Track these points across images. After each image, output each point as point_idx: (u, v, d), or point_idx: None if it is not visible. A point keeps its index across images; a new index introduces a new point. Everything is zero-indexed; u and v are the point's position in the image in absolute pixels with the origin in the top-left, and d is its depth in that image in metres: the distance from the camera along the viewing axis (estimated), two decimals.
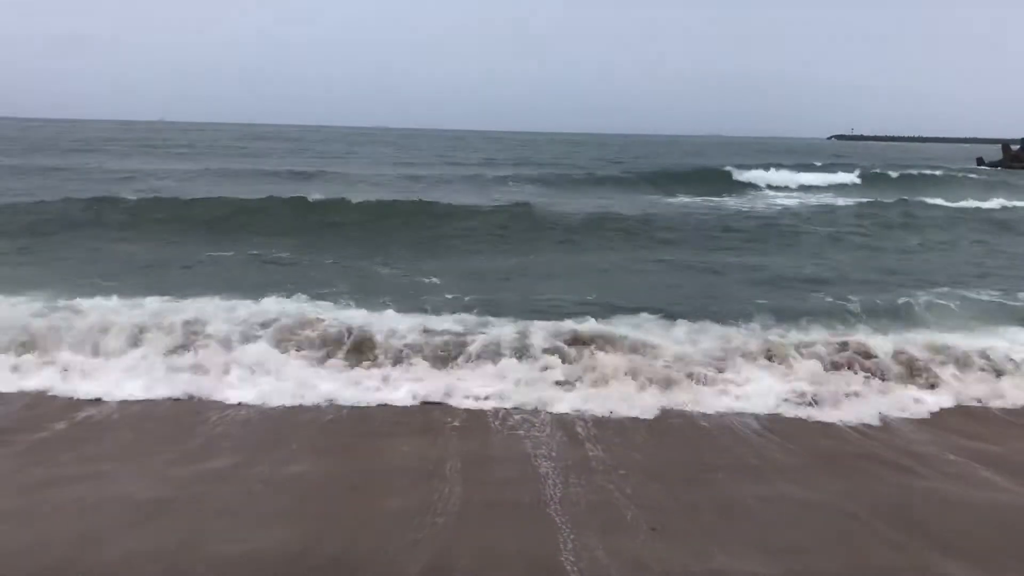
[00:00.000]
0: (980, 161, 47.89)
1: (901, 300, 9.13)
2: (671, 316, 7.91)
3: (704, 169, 30.38)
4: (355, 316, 7.40)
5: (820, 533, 4.04)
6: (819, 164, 37.94)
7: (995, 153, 49.65)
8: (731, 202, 22.44)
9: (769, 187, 27.52)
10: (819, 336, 7.23)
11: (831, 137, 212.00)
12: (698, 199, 22.57)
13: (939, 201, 20.73)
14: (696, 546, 3.87)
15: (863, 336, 7.24)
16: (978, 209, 19.73)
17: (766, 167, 31.02)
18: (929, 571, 3.68)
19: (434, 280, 10.15)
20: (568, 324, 7.28)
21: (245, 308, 7.54)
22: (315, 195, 16.36)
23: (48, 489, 4.38)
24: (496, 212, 16.10)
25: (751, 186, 27.32)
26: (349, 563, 3.67)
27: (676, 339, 7.08)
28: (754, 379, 6.33)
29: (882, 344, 6.95)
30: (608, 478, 4.64)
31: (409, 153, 48.81)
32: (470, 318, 7.61)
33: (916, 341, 7.13)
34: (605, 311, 8.12)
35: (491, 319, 7.55)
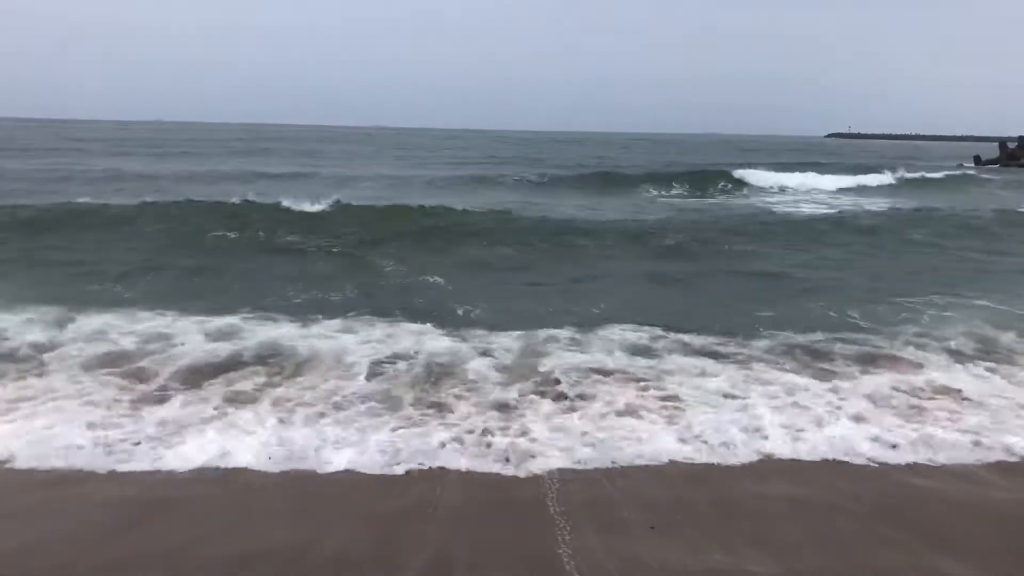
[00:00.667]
0: (977, 160, 47.93)
1: None
2: (685, 331, 7.58)
3: (706, 171, 30.05)
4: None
5: (819, 532, 4.04)
6: (824, 162, 37.82)
7: (992, 151, 49.68)
8: (749, 205, 22.02)
9: (787, 190, 26.89)
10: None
11: (828, 135, 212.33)
12: (707, 200, 22.54)
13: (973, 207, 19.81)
14: (695, 544, 3.87)
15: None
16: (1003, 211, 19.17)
17: (803, 169, 30.93)
18: (929, 571, 3.68)
19: (437, 279, 10.23)
20: (583, 356, 6.90)
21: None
22: (317, 204, 15.86)
23: (48, 489, 4.38)
24: (496, 212, 16.02)
25: (762, 188, 26.83)
26: (349, 563, 3.67)
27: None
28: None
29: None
30: (607, 474, 4.64)
31: (409, 153, 48.80)
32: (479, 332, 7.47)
33: None
34: (612, 322, 7.94)
35: (494, 333, 7.46)
